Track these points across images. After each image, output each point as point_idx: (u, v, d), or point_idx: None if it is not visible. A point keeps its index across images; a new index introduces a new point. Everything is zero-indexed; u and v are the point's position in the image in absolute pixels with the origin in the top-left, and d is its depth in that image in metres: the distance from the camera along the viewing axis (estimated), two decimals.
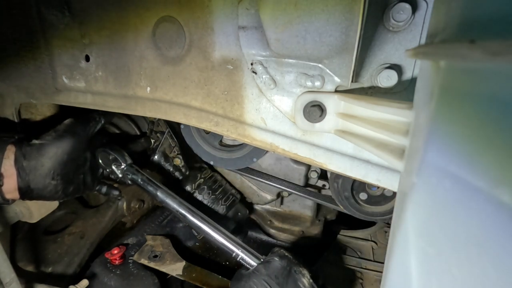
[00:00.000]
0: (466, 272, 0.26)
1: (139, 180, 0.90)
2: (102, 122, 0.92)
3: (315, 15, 0.51)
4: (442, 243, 0.28)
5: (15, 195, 0.79)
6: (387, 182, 0.62)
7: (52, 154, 0.79)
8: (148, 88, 0.77)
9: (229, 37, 0.63)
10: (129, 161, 0.94)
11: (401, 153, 0.38)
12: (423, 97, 0.32)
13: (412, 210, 0.31)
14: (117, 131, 1.18)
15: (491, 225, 0.23)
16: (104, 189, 1.01)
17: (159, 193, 0.88)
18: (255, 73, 0.63)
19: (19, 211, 0.97)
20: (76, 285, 0.90)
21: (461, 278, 0.26)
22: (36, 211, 0.99)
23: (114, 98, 0.83)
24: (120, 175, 0.93)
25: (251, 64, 0.62)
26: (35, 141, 0.80)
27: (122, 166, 0.92)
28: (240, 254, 0.81)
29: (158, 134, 1.17)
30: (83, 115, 0.89)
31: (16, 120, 0.97)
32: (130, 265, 1.03)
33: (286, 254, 0.80)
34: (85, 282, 0.92)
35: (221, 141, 1.03)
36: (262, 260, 0.80)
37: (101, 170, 0.95)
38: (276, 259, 0.78)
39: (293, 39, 0.54)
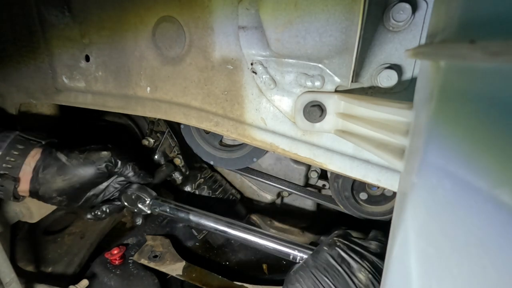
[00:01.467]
0: (466, 272, 0.26)
1: (168, 210, 0.89)
2: (133, 178, 0.89)
3: (315, 15, 0.51)
4: (442, 243, 0.28)
5: (26, 194, 0.82)
6: (387, 182, 0.62)
7: (68, 177, 0.81)
8: (148, 88, 0.77)
9: (229, 37, 0.63)
10: (153, 193, 0.93)
11: (401, 153, 0.38)
12: (423, 97, 0.32)
13: (412, 210, 0.31)
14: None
15: (491, 225, 0.23)
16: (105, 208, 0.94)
17: (191, 217, 0.86)
18: (255, 73, 0.63)
19: (19, 211, 0.97)
20: (76, 285, 0.90)
21: (461, 278, 0.26)
22: (36, 211, 0.99)
23: (114, 98, 0.83)
24: (149, 211, 0.92)
25: (251, 64, 0.62)
26: (62, 158, 0.81)
27: (147, 202, 0.91)
28: (298, 254, 0.75)
29: (158, 134, 1.17)
30: (121, 155, 0.86)
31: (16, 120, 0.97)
32: (130, 265, 1.03)
33: (338, 241, 0.69)
34: (85, 282, 0.92)
35: (221, 141, 1.03)
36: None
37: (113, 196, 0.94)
38: (325, 248, 0.68)
39: (293, 39, 0.54)
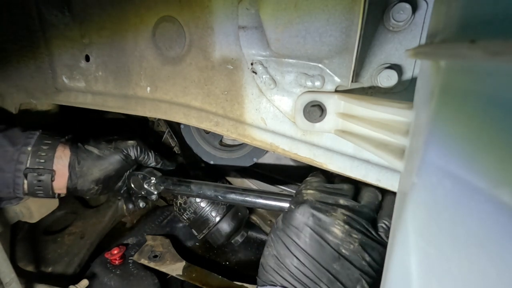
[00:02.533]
0: (466, 272, 0.26)
1: (171, 186, 0.90)
2: (153, 164, 0.96)
3: (315, 15, 0.50)
4: (443, 243, 0.28)
5: (63, 191, 0.86)
6: (387, 182, 0.61)
7: (103, 167, 0.87)
8: (148, 88, 0.77)
9: (229, 37, 0.63)
10: (158, 174, 0.94)
11: (401, 153, 0.38)
12: (423, 97, 0.32)
13: (412, 210, 0.31)
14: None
15: (491, 225, 0.23)
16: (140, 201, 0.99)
17: (192, 187, 0.86)
18: (255, 73, 0.63)
19: (19, 211, 0.97)
20: (76, 285, 0.90)
21: (462, 278, 0.26)
22: (36, 211, 0.99)
23: (114, 98, 0.83)
24: (155, 191, 0.93)
25: (251, 64, 0.62)
26: (93, 150, 0.86)
27: (153, 181, 0.92)
28: None
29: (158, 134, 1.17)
30: (145, 144, 0.94)
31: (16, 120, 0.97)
32: (130, 265, 1.03)
33: (306, 195, 0.61)
34: (85, 282, 0.92)
35: (221, 141, 1.03)
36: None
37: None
38: (293, 207, 0.61)
39: (293, 39, 0.54)
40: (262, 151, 0.96)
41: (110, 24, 0.76)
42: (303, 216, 0.58)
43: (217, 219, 1.01)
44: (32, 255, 1.07)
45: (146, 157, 0.93)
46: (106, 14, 0.75)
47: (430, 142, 0.28)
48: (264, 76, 0.62)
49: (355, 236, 0.56)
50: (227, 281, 0.95)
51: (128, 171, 0.95)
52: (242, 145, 0.99)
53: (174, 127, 1.14)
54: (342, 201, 0.60)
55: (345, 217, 0.57)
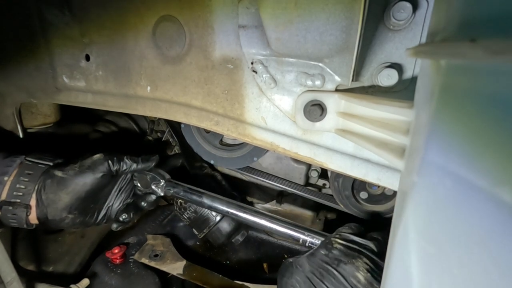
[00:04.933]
0: (466, 271, 0.26)
1: (181, 192, 0.89)
2: (135, 167, 0.87)
3: (315, 14, 0.50)
4: (443, 242, 0.28)
5: (36, 222, 0.80)
6: (387, 181, 0.62)
7: (70, 189, 0.78)
8: (149, 88, 0.77)
9: (229, 36, 0.63)
10: (167, 176, 0.93)
11: (402, 152, 0.38)
12: (423, 96, 0.32)
13: (413, 209, 0.31)
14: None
15: (491, 224, 0.23)
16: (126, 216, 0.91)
17: (204, 199, 0.86)
18: (256, 72, 0.63)
19: None
20: (77, 284, 0.90)
21: (462, 277, 0.26)
22: None
23: (114, 98, 0.83)
24: (162, 193, 0.92)
25: (252, 63, 0.62)
26: (58, 173, 0.79)
27: (161, 183, 0.91)
28: (308, 239, 0.73)
29: (158, 133, 1.17)
30: (114, 154, 0.86)
31: (16, 120, 0.97)
32: (131, 264, 1.03)
33: (335, 242, 0.66)
34: (86, 281, 0.93)
35: (221, 140, 1.03)
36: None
37: (130, 200, 0.92)
38: (322, 251, 0.65)
39: (293, 38, 0.54)
40: (262, 150, 0.96)
41: (110, 23, 0.76)
42: (330, 261, 0.63)
43: (218, 218, 1.01)
44: (33, 254, 1.08)
45: (122, 165, 0.84)
46: (106, 13, 0.75)
47: (430, 141, 0.28)
48: (264, 75, 0.62)
49: (376, 286, 0.60)
50: (228, 280, 0.95)
51: (116, 189, 0.87)
52: (242, 145, 0.99)
53: (175, 126, 1.14)
54: (367, 252, 0.65)
55: (368, 267, 0.62)
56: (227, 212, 0.84)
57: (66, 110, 1.05)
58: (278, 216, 0.81)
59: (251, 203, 1.24)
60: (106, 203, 0.87)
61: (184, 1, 0.65)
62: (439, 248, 0.28)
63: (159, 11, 0.69)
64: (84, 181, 0.80)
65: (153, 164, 0.90)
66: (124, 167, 0.85)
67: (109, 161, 0.82)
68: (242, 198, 1.19)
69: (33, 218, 0.79)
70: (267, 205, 1.24)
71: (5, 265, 0.79)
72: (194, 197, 0.87)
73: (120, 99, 0.82)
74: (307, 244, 0.74)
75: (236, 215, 0.83)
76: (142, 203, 0.92)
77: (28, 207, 0.76)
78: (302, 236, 0.75)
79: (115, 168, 0.83)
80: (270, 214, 0.82)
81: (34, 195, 0.77)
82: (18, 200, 0.76)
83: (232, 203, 0.84)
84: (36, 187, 0.77)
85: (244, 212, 0.82)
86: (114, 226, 0.89)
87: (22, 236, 1.10)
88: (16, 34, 0.86)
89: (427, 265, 0.30)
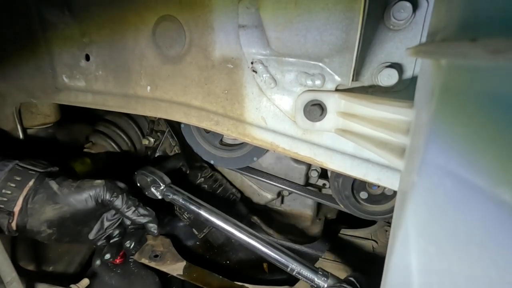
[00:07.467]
0: (466, 271, 0.26)
1: (180, 200, 0.89)
2: (125, 211, 0.82)
3: (315, 13, 0.50)
4: (443, 242, 0.28)
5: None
6: (387, 181, 0.61)
7: (58, 207, 0.77)
8: (148, 87, 0.77)
9: (229, 36, 0.63)
10: (168, 181, 0.93)
11: (402, 152, 0.38)
12: (424, 95, 0.32)
13: (413, 209, 0.31)
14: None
15: (492, 224, 0.23)
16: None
17: (202, 212, 0.86)
18: (256, 72, 0.63)
19: None
20: (77, 284, 0.90)
21: (462, 276, 0.26)
22: None
23: (114, 97, 0.83)
24: (160, 197, 0.92)
25: (251, 63, 0.62)
26: (54, 186, 0.77)
27: (161, 188, 0.91)
28: (296, 268, 0.76)
29: (158, 133, 1.17)
30: (116, 185, 0.83)
31: (16, 120, 0.97)
32: (131, 264, 1.03)
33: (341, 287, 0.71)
34: (86, 281, 0.93)
35: (221, 140, 1.03)
36: (319, 273, 0.74)
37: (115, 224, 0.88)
38: None
39: (293, 38, 0.54)
40: (262, 150, 0.96)
41: (110, 23, 0.76)
42: None
43: None
44: (33, 254, 1.07)
45: (114, 199, 0.81)
46: (106, 13, 0.75)
47: (430, 141, 0.28)
48: (264, 75, 0.62)
49: None
50: (228, 281, 0.95)
51: (103, 219, 0.84)
52: (242, 144, 0.99)
53: (175, 126, 1.14)
54: None
55: None
56: (223, 228, 0.84)
57: (66, 110, 1.05)
58: (273, 241, 0.81)
59: (251, 200, 1.24)
60: (88, 229, 0.84)
61: (184, 1, 0.65)
62: (439, 247, 0.28)
63: (159, 11, 0.68)
64: (75, 203, 0.78)
65: (145, 221, 0.86)
66: (118, 206, 0.82)
67: (106, 191, 0.80)
68: (242, 197, 1.19)
69: (15, 225, 0.77)
70: (267, 205, 1.24)
71: (5, 265, 0.79)
72: (192, 207, 0.88)
73: (120, 99, 0.82)
74: (294, 273, 0.76)
75: (232, 233, 0.83)
76: (127, 243, 0.87)
77: (11, 213, 0.74)
78: (291, 265, 0.76)
79: (106, 200, 0.80)
80: (265, 238, 0.82)
81: (20, 201, 0.75)
82: (2, 206, 0.74)
83: (229, 220, 0.84)
84: (24, 194, 0.75)
85: (240, 232, 0.82)
86: (97, 263, 0.90)
87: (22, 236, 1.10)
88: (16, 34, 0.86)
89: (427, 265, 0.30)
